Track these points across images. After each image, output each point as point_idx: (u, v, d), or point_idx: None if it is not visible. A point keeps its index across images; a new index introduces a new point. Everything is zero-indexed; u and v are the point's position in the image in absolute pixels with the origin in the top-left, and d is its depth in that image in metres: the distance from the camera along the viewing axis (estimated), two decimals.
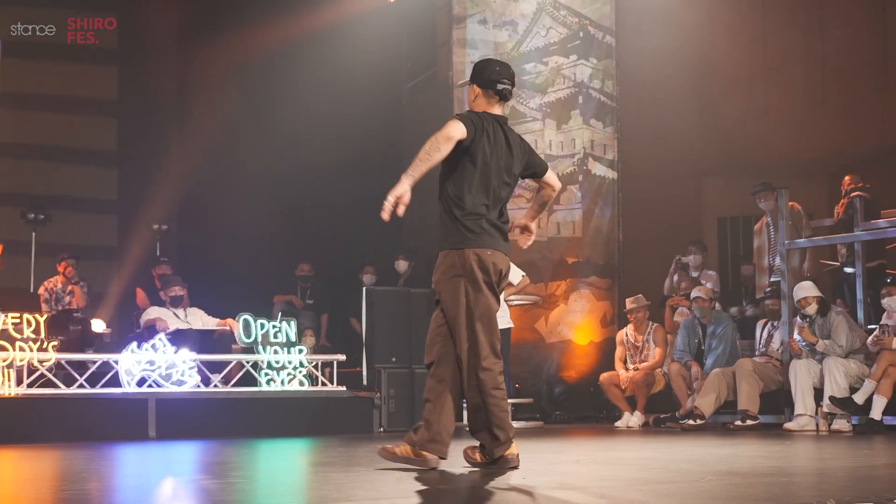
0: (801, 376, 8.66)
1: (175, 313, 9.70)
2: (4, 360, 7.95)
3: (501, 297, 9.07)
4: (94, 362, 8.39)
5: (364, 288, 9.90)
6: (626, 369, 10.02)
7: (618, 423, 9.80)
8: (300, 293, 12.08)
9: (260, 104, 12.90)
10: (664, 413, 9.72)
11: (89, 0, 12.83)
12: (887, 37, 11.98)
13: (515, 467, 4.91)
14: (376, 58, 12.81)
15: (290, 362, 8.86)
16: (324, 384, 9.07)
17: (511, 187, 5.08)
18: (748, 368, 9.12)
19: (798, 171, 12.15)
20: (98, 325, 10.34)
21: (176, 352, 8.53)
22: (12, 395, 7.88)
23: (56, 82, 13.31)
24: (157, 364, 8.41)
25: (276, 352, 8.84)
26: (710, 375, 9.32)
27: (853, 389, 8.41)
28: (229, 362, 8.89)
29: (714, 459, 5.80)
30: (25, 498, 4.18)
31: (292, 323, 9.03)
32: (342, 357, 9.32)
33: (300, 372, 8.86)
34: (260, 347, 8.82)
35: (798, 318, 8.98)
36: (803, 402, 8.62)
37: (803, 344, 8.75)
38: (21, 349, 8.04)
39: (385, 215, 4.64)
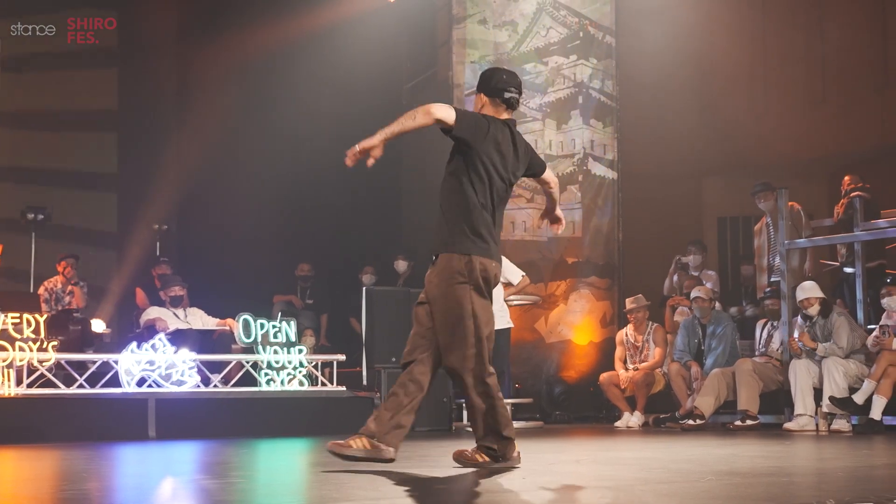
0: (801, 376, 8.66)
1: (175, 313, 9.70)
2: (4, 360, 7.94)
3: (501, 297, 9.15)
4: (94, 362, 8.39)
5: (364, 288, 9.90)
6: (626, 369, 10.02)
7: (618, 423, 9.80)
8: (300, 293, 12.07)
9: (260, 104, 12.89)
10: (664, 413, 9.71)
11: (89, 0, 12.83)
12: (887, 37, 11.98)
13: (517, 466, 4.92)
14: (376, 58, 12.79)
15: (289, 362, 8.85)
16: (323, 384, 9.07)
17: (511, 190, 5.11)
18: (748, 368, 9.12)
19: (798, 171, 12.16)
20: (98, 325, 10.33)
21: (176, 352, 8.53)
22: (12, 395, 7.88)
23: (56, 82, 13.28)
24: (157, 364, 8.41)
25: (275, 352, 8.84)
26: (709, 375, 9.31)
27: (853, 389, 8.42)
28: (229, 362, 8.89)
29: (714, 459, 5.80)
30: (25, 498, 4.17)
31: (292, 323, 9.02)
32: (342, 357, 9.32)
33: (300, 372, 8.86)
34: (260, 347, 8.82)
35: (799, 318, 8.98)
36: (803, 402, 8.63)
37: (804, 348, 8.76)
38: (21, 349, 8.03)
39: (348, 161, 4.72)
